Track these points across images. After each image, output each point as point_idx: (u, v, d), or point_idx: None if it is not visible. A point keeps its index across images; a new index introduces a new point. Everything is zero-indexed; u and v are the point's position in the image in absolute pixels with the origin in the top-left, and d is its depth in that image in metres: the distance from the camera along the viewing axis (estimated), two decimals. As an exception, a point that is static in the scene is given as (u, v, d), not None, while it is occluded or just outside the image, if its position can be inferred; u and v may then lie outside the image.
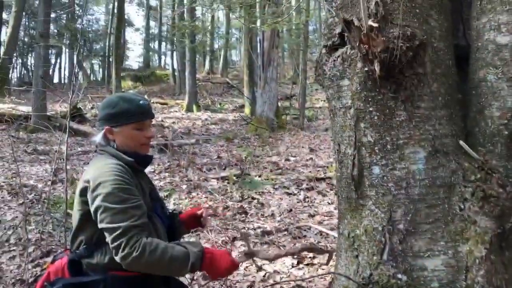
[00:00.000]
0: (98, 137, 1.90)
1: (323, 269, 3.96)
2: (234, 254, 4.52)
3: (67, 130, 4.27)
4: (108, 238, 1.66)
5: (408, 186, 1.68)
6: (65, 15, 26.68)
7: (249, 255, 1.90)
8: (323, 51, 1.99)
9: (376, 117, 1.74)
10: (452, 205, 1.67)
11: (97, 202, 1.67)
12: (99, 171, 1.75)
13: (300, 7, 15.12)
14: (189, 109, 17.12)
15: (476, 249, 1.61)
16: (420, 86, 1.68)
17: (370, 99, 1.74)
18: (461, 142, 1.70)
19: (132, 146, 1.89)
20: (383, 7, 1.65)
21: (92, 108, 16.35)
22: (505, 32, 1.70)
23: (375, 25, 1.59)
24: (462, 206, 1.65)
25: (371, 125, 1.75)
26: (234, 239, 4.90)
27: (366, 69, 1.69)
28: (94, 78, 34.52)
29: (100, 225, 1.67)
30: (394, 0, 1.67)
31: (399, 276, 1.61)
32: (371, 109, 1.74)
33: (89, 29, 31.93)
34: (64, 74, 34.20)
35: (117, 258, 1.65)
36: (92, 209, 1.69)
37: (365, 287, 1.63)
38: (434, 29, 1.74)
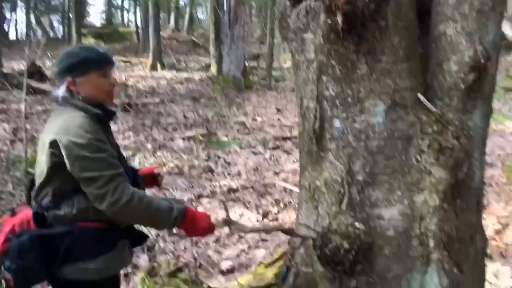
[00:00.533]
0: (60, 91, 1.83)
1: (286, 224, 4.06)
2: (200, 210, 4.57)
3: (24, 87, 4.11)
4: (90, 188, 1.65)
5: (367, 138, 1.71)
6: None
7: (227, 222, 1.95)
8: (287, 3, 1.96)
9: (338, 71, 1.74)
10: (409, 157, 1.72)
11: (75, 152, 1.64)
12: (70, 123, 1.70)
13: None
14: (153, 68, 16.73)
15: (430, 199, 1.68)
16: (381, 39, 1.68)
17: (332, 52, 1.74)
18: (420, 96, 1.73)
19: (98, 96, 1.84)
20: (346, -43, 1.61)
21: (52, 66, 15.72)
22: (466, -14, 1.70)
23: (338, -25, 1.56)
24: (419, 158, 1.70)
25: (333, 78, 1.76)
26: (200, 196, 4.94)
27: (329, 21, 1.68)
28: (54, 36, 33.00)
29: (79, 175, 1.65)
30: (358, -49, 1.64)
31: (357, 225, 1.67)
32: (333, 62, 1.74)
33: (46, -18, 30.27)
34: (21, 31, 32.58)
35: (103, 206, 1.64)
36: (68, 160, 1.65)
37: (324, 236, 1.68)
38: (397, -18, 1.72)
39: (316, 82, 1.80)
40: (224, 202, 2.17)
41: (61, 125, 1.71)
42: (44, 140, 1.73)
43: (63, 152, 1.66)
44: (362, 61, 1.70)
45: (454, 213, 1.71)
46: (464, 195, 1.75)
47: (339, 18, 1.61)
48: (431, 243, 1.68)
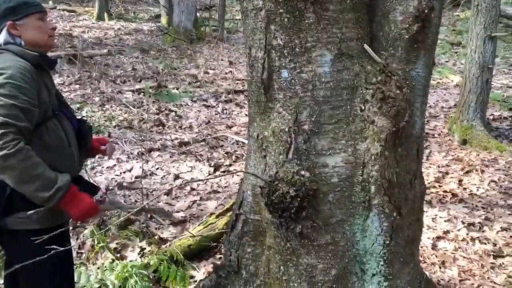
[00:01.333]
0: (1, 36, 1.79)
1: (238, 175, 4.12)
2: (151, 164, 4.53)
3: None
4: None
5: (314, 88, 1.73)
6: None
7: (114, 205, 1.96)
8: None
9: (286, 19, 1.72)
10: (354, 106, 1.75)
11: None
12: (3, 65, 1.65)
13: None
14: (100, 18, 15.88)
15: (372, 147, 1.73)
16: (329, -13, 1.67)
17: (281, 0, 1.71)
18: (365, 46, 1.75)
19: (41, 40, 1.84)
20: None
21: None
22: None
23: None
24: (363, 107, 1.74)
25: (281, 27, 1.74)
26: (151, 150, 4.88)
27: (276, -33, 1.64)
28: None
29: None
30: None
31: (302, 172, 1.71)
32: (281, 10, 1.72)
33: None
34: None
35: None
36: None
37: (271, 184, 1.71)
38: None
39: (264, 31, 1.78)
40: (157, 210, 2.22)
41: None
42: None
43: None
44: (310, 10, 1.68)
45: (395, 160, 1.79)
46: (404, 142, 1.82)
47: (287, -36, 1.58)
48: (373, 189, 1.76)
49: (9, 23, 1.77)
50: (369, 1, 1.85)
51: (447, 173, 4.66)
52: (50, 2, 18.19)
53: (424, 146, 5.23)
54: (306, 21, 1.70)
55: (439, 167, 4.80)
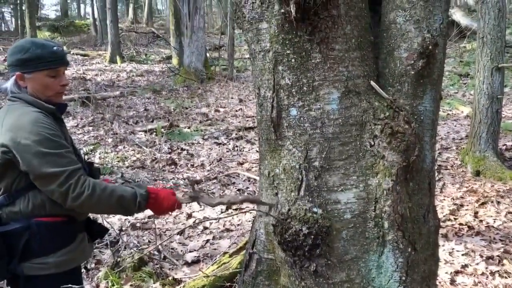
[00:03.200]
0: (8, 84, 1.81)
1: (250, 213, 4.10)
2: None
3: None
4: (52, 186, 1.63)
5: (323, 125, 1.75)
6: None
7: (193, 198, 1.99)
8: (242, -7, 1.96)
9: (293, 60, 1.77)
10: (364, 142, 1.77)
11: (32, 150, 1.61)
12: (22, 120, 1.67)
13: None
14: (112, 61, 16.34)
15: (384, 182, 1.74)
16: (334, 28, 1.72)
17: (287, 42, 1.76)
18: (372, 83, 1.79)
19: (46, 95, 1.82)
20: None
21: (5, 60, 15.11)
22: (413, -25, 1.76)
23: (290, -35, 1.59)
24: (372, 143, 1.76)
25: (288, 67, 1.78)
26: (163, 189, 4.90)
27: (282, 11, 1.70)
28: (6, 29, 31.67)
29: (39, 172, 1.63)
30: None
31: (315, 210, 1.71)
32: (288, 51, 1.77)
33: (-4, -27, 28.89)
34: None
35: (68, 202, 1.65)
36: (24, 159, 1.62)
37: (283, 222, 1.71)
38: (348, -28, 1.76)
39: (272, 71, 1.83)
40: (189, 179, 2.23)
41: (13, 123, 1.68)
42: None
43: (18, 151, 1.63)
44: (316, 50, 1.73)
45: (407, 194, 1.79)
46: (416, 177, 1.82)
47: (292, 8, 1.64)
48: (386, 224, 1.75)
49: (18, 74, 1.77)
50: (374, 39, 1.90)
51: (462, 205, 4.59)
52: (64, 47, 18.77)
53: (438, 178, 5.19)
54: (313, 61, 1.75)
55: (453, 199, 4.74)
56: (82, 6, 38.23)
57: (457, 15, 15.88)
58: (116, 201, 1.74)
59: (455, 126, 7.72)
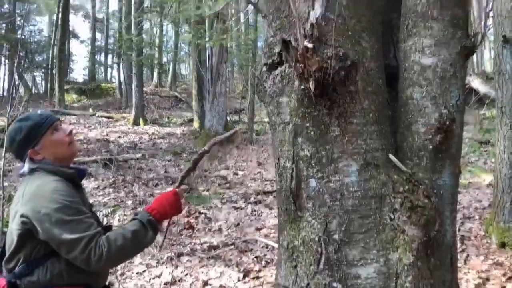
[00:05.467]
0: (26, 166, 1.86)
1: (268, 282, 4.01)
2: (180, 269, 4.48)
3: (5, 144, 4.10)
4: (73, 253, 1.65)
5: (342, 197, 1.77)
6: (4, 25, 25.54)
7: (189, 186, 2.09)
8: (264, 69, 2.06)
9: (312, 132, 1.82)
10: (383, 215, 1.77)
11: (53, 218, 1.65)
12: (42, 189, 1.72)
13: (248, 24, 15.34)
14: (135, 123, 16.79)
15: (404, 257, 1.71)
16: (352, 103, 1.78)
17: (307, 115, 1.82)
18: (391, 156, 1.81)
19: (63, 151, 1.89)
20: (317, 28, 1.74)
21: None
22: (429, 54, 1.84)
23: (310, 45, 1.68)
24: (392, 216, 1.75)
25: (308, 139, 1.83)
26: (180, 255, 4.86)
27: (302, 87, 1.77)
28: (36, 91, 33.12)
29: (59, 240, 1.65)
30: (328, 23, 1.77)
31: (335, 284, 1.69)
32: (307, 124, 1.82)
33: (31, 40, 30.73)
34: (3, 87, 32.69)
35: (92, 265, 1.66)
36: (44, 227, 1.65)
37: (302, 296, 1.69)
38: (365, 50, 1.85)
39: (292, 143, 1.87)
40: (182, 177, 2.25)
41: (33, 193, 1.72)
42: (16, 209, 1.73)
43: (38, 220, 1.66)
44: (335, 124, 1.79)
45: (428, 270, 1.75)
46: (437, 252, 1.79)
47: (312, 84, 1.71)
48: (408, 301, 1.70)
49: (30, 151, 1.82)
50: (392, 113, 1.95)
51: (487, 279, 4.41)
52: (90, 110, 19.47)
53: (461, 249, 5.03)
54: (332, 134, 1.80)
55: (478, 272, 4.56)
56: (109, 70, 39.97)
57: (475, 83, 16.05)
58: (132, 240, 1.74)
59: (477, 194, 7.56)
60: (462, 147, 1.98)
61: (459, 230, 5.67)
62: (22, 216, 1.69)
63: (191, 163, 2.25)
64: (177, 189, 2.09)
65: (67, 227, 1.65)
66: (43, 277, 1.71)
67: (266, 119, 19.07)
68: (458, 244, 4.69)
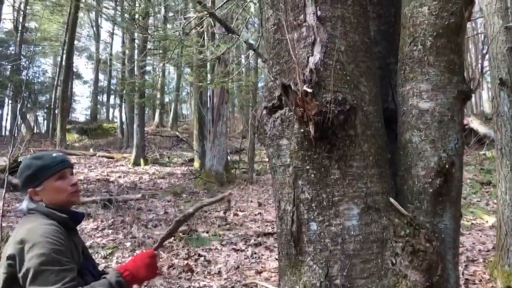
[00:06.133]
0: (24, 204, 1.88)
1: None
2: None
3: (5, 184, 4.10)
4: None
5: (343, 241, 1.75)
6: (9, 67, 26.06)
7: (161, 240, 2.11)
8: (264, 112, 2.09)
9: (312, 175, 1.82)
10: (385, 259, 1.75)
11: (30, 263, 1.63)
12: (33, 232, 1.71)
13: (249, 66, 15.64)
14: (136, 163, 16.82)
15: (408, 303, 1.68)
16: (352, 146, 1.80)
17: (307, 158, 1.83)
18: (391, 199, 1.81)
19: (61, 199, 1.89)
20: (316, 74, 1.78)
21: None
22: (426, 99, 1.87)
23: (310, 90, 1.71)
24: (394, 261, 1.73)
25: (308, 182, 1.83)
26: (179, 298, 4.75)
27: (302, 130, 1.80)
28: (37, 131, 33.42)
29: (28, 285, 1.62)
30: (327, 68, 1.81)
31: (337, 331, 1.64)
32: (308, 167, 1.83)
33: (35, 81, 31.29)
34: (6, 127, 32.99)
35: None
36: (22, 270, 1.64)
37: None
38: (364, 94, 1.88)
39: (293, 186, 1.88)
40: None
41: (24, 235, 1.71)
42: (5, 251, 1.72)
43: (20, 260, 1.65)
44: (335, 167, 1.79)
45: (432, 317, 1.71)
46: (441, 298, 1.76)
47: (311, 128, 1.73)
48: None
49: (30, 191, 1.86)
50: (391, 156, 1.96)
51: (495, 324, 4.28)
52: (91, 150, 19.54)
53: (466, 293, 4.93)
54: (332, 177, 1.80)
55: (485, 317, 4.43)
56: (111, 110, 40.42)
57: (475, 124, 16.19)
58: None
59: (481, 236, 7.47)
60: (464, 188, 1.98)
61: (462, 273, 5.57)
62: (8, 257, 1.68)
63: (174, 224, 2.22)
64: (155, 251, 2.03)
65: (41, 276, 1.62)
66: None
67: (267, 159, 19.11)
68: (463, 288, 4.60)
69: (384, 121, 1.98)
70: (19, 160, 12.03)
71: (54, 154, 1.95)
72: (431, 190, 1.81)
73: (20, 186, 1.91)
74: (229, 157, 15.14)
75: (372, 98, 1.92)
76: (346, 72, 1.85)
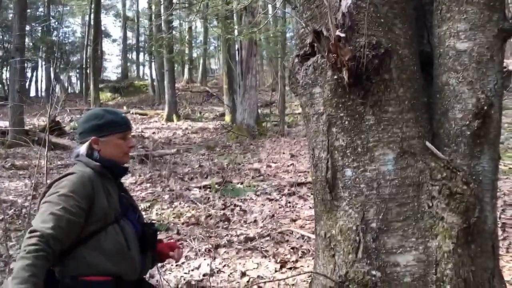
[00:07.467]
0: (82, 149, 1.98)
1: (305, 272, 4.03)
2: (218, 261, 4.57)
3: (47, 144, 4.27)
4: (33, 222, 1.70)
5: (379, 186, 1.77)
6: (40, 28, 26.37)
7: None
8: (296, 60, 2.07)
9: (346, 122, 1.82)
10: (421, 203, 1.76)
11: (50, 195, 1.77)
12: (68, 177, 1.84)
13: (277, 15, 15.29)
14: (169, 119, 17.08)
15: (444, 244, 1.70)
16: (387, 91, 1.77)
17: (340, 105, 1.83)
18: (428, 143, 1.80)
19: (116, 155, 2.00)
20: (349, 18, 1.73)
21: (70, 121, 16.19)
22: (464, 39, 1.80)
23: (342, 35, 1.68)
24: (430, 204, 1.74)
25: (342, 129, 1.84)
26: (217, 246, 4.94)
27: (335, 77, 1.78)
28: (71, 91, 34.17)
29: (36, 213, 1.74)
30: (360, 11, 1.76)
31: (374, 272, 1.69)
32: (341, 114, 1.83)
33: (66, 42, 31.67)
34: (41, 88, 33.83)
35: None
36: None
37: (342, 285, 1.70)
38: (398, 37, 1.83)
39: (326, 133, 1.88)
40: None
41: (63, 177, 1.85)
42: None
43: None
44: (369, 113, 1.78)
45: (469, 257, 1.73)
46: (478, 239, 1.77)
47: (345, 74, 1.72)
48: (449, 288, 1.69)
49: (93, 139, 1.95)
50: (427, 99, 1.92)
51: (532, 266, 4.28)
52: (124, 107, 19.90)
53: (503, 237, 4.91)
54: (366, 123, 1.79)
55: (522, 260, 4.43)
56: (141, 68, 40.70)
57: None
58: (16, 275, 1.57)
59: (520, 180, 7.33)
60: (502, 132, 1.93)
61: (500, 217, 5.51)
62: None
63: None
64: None
65: (43, 212, 1.71)
66: (73, 266, 1.77)
67: (297, 111, 19.00)
68: (500, 232, 4.57)
69: (419, 64, 1.93)
70: (56, 120, 12.43)
71: (123, 115, 2.06)
72: (468, 133, 1.78)
73: (81, 131, 2.00)
74: (259, 111, 15.15)
75: (407, 40, 1.87)
76: (380, 15, 1.80)
